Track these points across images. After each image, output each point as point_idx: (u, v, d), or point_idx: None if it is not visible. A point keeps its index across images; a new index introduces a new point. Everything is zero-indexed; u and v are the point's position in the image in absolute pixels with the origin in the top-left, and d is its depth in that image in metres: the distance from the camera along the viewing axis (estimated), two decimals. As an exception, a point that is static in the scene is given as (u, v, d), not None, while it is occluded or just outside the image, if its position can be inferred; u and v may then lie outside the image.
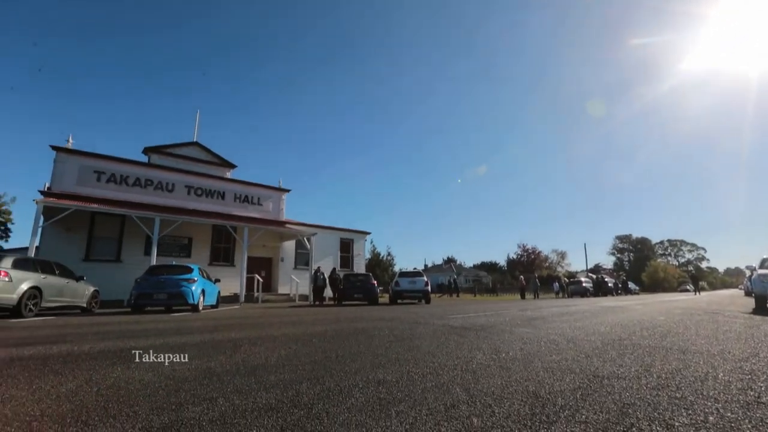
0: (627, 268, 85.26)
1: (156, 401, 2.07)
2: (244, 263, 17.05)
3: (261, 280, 18.42)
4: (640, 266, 76.41)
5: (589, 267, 50.42)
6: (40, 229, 13.21)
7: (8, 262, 8.33)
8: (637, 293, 42.07)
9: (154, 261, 14.18)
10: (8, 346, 4.06)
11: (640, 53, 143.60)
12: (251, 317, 8.39)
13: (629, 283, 42.66)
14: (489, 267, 78.75)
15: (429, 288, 17.42)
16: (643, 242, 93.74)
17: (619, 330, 5.31)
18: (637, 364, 2.96)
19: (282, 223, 20.94)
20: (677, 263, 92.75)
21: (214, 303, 12.77)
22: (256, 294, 17.84)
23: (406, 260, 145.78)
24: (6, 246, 23.53)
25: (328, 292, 17.93)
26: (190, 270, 11.14)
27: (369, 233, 26.50)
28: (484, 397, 2.09)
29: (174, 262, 13.51)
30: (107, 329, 5.79)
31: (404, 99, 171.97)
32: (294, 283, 19.78)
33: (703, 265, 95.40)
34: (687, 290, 46.94)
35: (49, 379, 2.58)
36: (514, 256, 74.29)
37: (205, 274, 12.19)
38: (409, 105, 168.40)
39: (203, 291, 11.14)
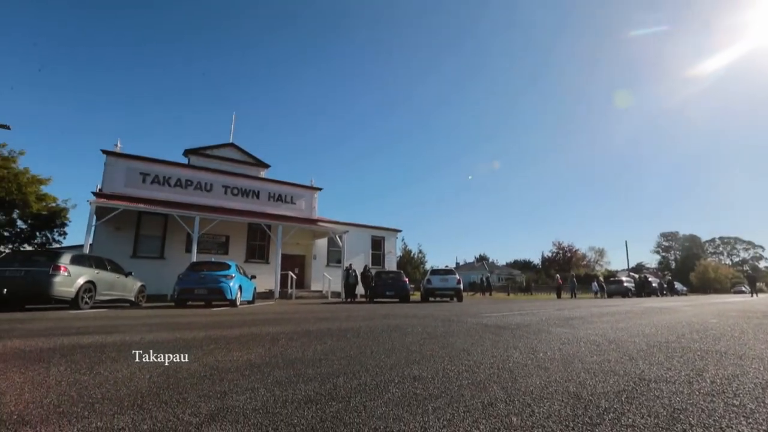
0: (673, 267, 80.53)
1: (202, 389, 2.18)
2: (278, 260, 17.58)
3: (294, 276, 18.89)
4: (688, 265, 71.67)
5: (630, 266, 47.93)
6: (93, 228, 14.23)
7: (67, 258, 9.04)
8: (685, 294, 39.60)
9: (194, 258, 14.92)
10: (70, 334, 4.42)
11: (668, 38, 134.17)
12: (286, 313, 8.63)
13: (676, 283, 40.24)
14: (523, 265, 76.86)
15: (461, 286, 17.22)
16: (692, 240, 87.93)
17: (666, 332, 5.02)
18: (688, 368, 2.79)
19: (314, 221, 21.36)
20: (731, 262, 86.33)
21: (251, 299, 13.25)
22: (289, 290, 18.32)
23: (437, 258, 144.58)
24: (63, 243, 25.42)
25: (360, 289, 18.12)
26: (228, 267, 11.62)
27: (400, 231, 26.56)
28: (522, 396, 2.05)
29: (213, 259, 14.14)
30: (155, 321, 6.15)
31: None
32: (326, 280, 20.17)
33: (761, 264, 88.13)
34: (742, 291, 43.75)
35: (107, 365, 2.78)
36: (549, 254, 72.12)
37: (241, 271, 12.67)
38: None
39: (240, 287, 11.59)
